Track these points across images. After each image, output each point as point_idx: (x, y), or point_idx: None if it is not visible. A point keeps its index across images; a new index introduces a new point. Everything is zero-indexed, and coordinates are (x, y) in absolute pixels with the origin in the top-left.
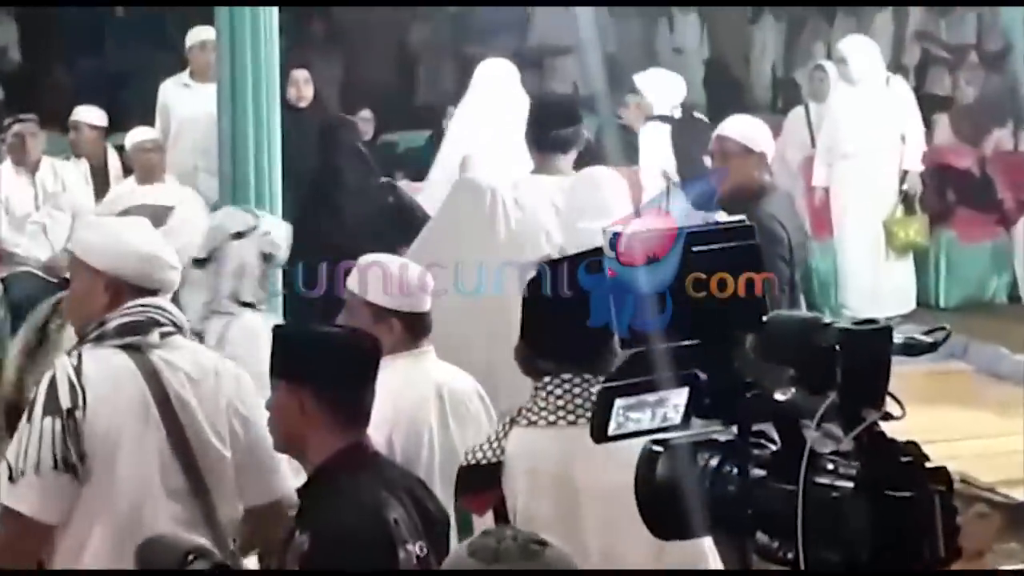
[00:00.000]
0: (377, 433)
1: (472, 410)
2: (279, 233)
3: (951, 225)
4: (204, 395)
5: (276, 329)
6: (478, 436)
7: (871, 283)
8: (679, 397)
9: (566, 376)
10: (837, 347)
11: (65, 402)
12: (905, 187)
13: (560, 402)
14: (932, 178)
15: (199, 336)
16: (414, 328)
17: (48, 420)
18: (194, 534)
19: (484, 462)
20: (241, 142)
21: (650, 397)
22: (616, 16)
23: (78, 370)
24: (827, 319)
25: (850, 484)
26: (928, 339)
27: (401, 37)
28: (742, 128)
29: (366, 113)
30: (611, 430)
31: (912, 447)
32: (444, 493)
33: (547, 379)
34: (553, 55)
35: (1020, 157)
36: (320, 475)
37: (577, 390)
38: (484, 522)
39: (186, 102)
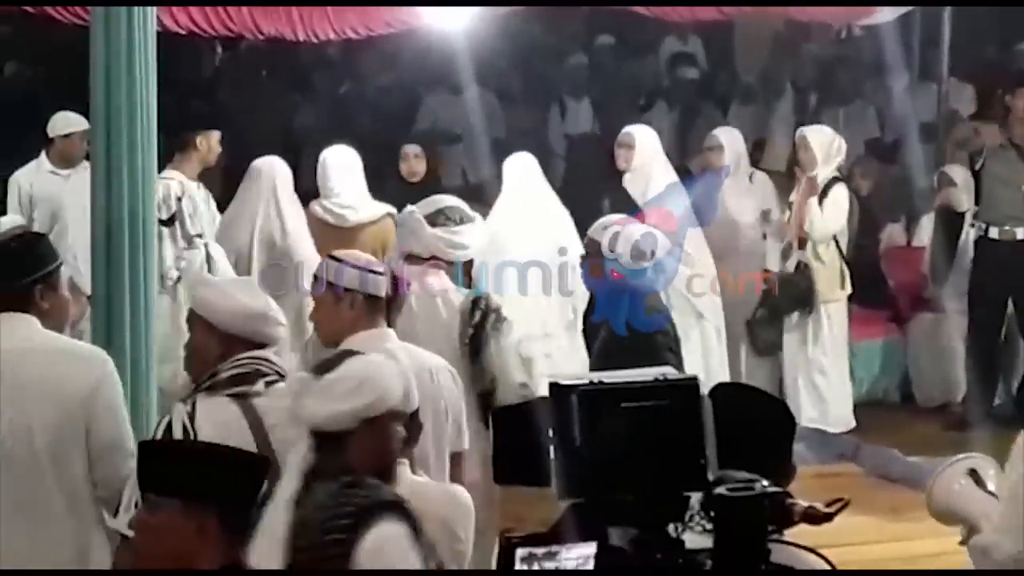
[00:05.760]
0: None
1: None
2: None
3: None
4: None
5: (160, 445)
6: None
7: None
8: (586, 550)
9: None
10: (711, 513)
11: None
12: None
13: None
14: None
15: None
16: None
17: None
18: None
19: None
20: (117, 234)
21: (553, 549)
22: (506, 103)
23: (191, 416)
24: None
25: None
26: (826, 510)
27: (285, 122)
28: None
29: None
30: None
31: None
32: None
33: None
34: (443, 143)
35: (913, 252)
36: None
37: None
38: None
39: (64, 191)
